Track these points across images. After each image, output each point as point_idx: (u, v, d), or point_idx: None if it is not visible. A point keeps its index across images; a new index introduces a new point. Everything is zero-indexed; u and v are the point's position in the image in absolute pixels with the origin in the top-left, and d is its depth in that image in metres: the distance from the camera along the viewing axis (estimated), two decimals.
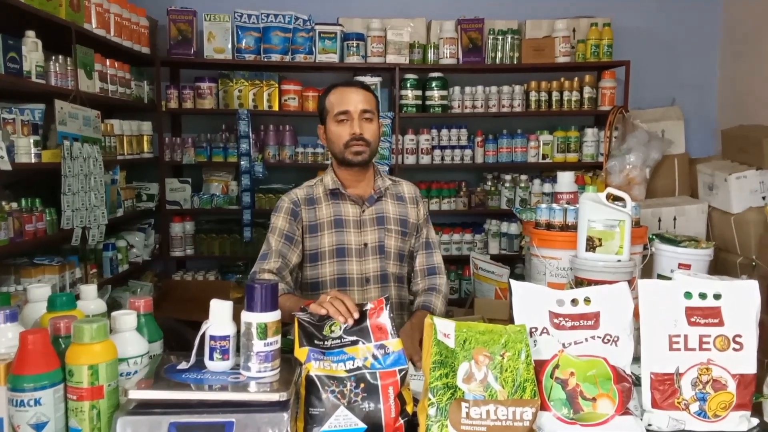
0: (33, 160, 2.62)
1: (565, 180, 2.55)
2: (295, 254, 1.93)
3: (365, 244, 1.96)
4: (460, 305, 3.19)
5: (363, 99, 1.93)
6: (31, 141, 2.61)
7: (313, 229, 1.95)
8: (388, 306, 1.26)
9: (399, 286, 2.03)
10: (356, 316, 1.29)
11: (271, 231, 1.95)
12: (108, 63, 3.36)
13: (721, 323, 1.21)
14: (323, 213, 1.96)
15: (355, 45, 4.00)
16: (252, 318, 1.15)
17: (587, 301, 1.25)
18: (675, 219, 3.45)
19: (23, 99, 2.78)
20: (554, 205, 2.09)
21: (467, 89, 4.15)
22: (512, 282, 1.30)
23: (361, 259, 1.95)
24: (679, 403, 1.19)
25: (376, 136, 1.96)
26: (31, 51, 2.62)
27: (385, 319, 1.25)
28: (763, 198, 3.29)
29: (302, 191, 2.01)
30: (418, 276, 2.06)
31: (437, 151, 4.17)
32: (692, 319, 1.21)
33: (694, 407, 1.19)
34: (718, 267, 3.24)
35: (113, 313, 1.22)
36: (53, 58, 2.80)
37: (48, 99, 2.76)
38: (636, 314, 1.25)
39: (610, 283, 1.32)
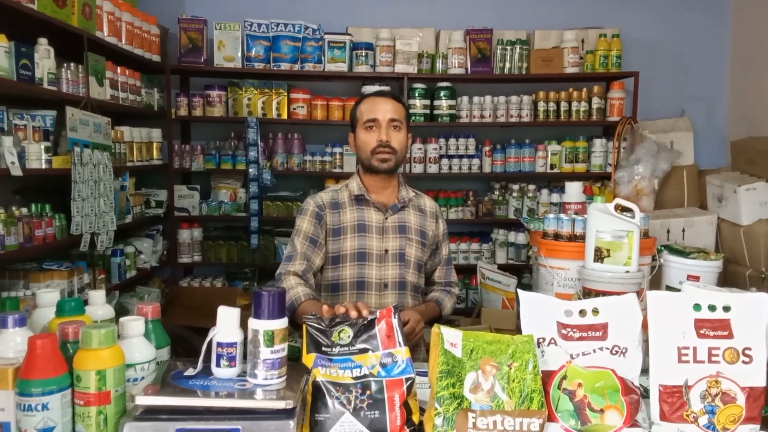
0: (43, 166, 2.64)
1: (574, 190, 2.55)
2: (319, 257, 1.97)
3: (386, 251, 2.00)
4: (467, 315, 3.19)
5: (392, 108, 1.98)
6: (42, 147, 2.63)
7: (337, 233, 1.99)
8: (397, 314, 1.25)
9: (414, 295, 2.06)
10: (365, 313, 1.30)
11: (296, 233, 1.99)
12: (119, 70, 3.39)
13: (730, 336, 1.20)
14: (347, 217, 2.00)
15: (364, 54, 4.02)
16: (259, 325, 1.15)
17: (595, 312, 1.25)
18: (684, 230, 3.43)
19: (35, 105, 2.81)
20: (562, 215, 2.09)
21: (475, 99, 4.16)
22: (520, 292, 1.30)
23: (381, 265, 1.99)
24: (687, 415, 1.18)
25: (404, 146, 2.01)
26: (44, 58, 2.65)
27: (393, 327, 1.24)
28: None
29: (327, 195, 2.05)
30: (435, 285, 2.15)
31: (445, 161, 4.17)
32: (701, 332, 1.21)
33: (703, 420, 1.18)
34: (727, 279, 3.22)
35: (121, 319, 1.23)
36: (65, 65, 2.83)
37: (59, 106, 2.78)
38: (644, 326, 1.24)
39: (619, 294, 1.31)
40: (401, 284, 2.00)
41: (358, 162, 2.07)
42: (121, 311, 3.09)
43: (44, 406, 1.04)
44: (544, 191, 4.17)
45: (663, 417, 1.19)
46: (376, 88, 4.03)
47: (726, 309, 1.22)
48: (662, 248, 2.19)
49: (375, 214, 2.01)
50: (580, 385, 1.18)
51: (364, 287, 1.97)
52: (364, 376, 1.17)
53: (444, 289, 2.14)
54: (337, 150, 4.16)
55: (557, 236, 2.04)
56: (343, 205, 2.02)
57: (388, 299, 1.98)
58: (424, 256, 2.07)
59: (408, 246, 2.02)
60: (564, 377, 1.19)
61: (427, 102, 4.12)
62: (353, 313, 1.32)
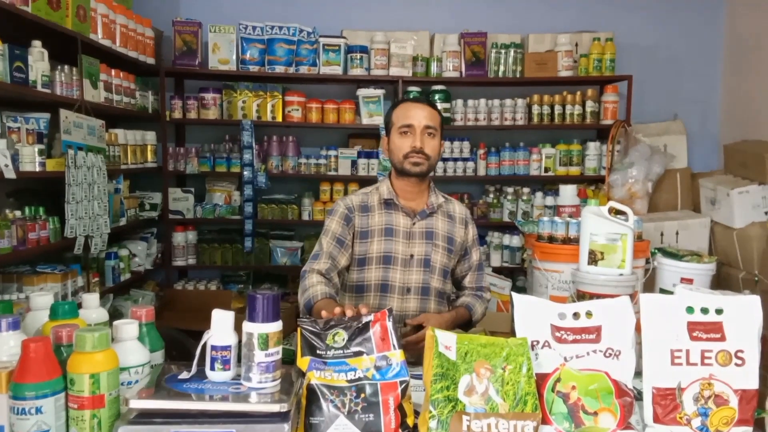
0: (37, 169, 2.63)
1: (568, 193, 2.56)
2: (344, 257, 1.99)
3: (411, 256, 2.01)
4: None
5: (427, 115, 1.99)
6: (36, 150, 2.62)
7: (364, 235, 2.01)
8: (391, 318, 1.26)
9: (439, 301, 2.06)
10: (364, 311, 1.31)
11: (324, 233, 2.02)
12: (113, 73, 3.38)
13: (723, 338, 1.21)
14: (375, 221, 2.02)
15: (358, 57, 4.03)
16: (253, 328, 1.15)
17: (589, 314, 1.25)
18: (677, 233, 3.45)
19: (29, 108, 2.80)
20: (556, 218, 2.10)
21: (470, 102, 4.17)
22: (514, 295, 1.30)
23: (406, 269, 2.00)
24: (680, 418, 1.19)
25: (437, 152, 2.03)
26: (37, 61, 2.64)
27: (388, 330, 1.25)
28: (766, 213, 3.29)
29: (357, 198, 2.07)
30: (466, 290, 2.14)
31: (440, 163, 4.18)
32: (694, 334, 1.21)
33: (696, 422, 1.18)
34: (721, 282, 3.24)
35: (115, 323, 1.23)
36: (59, 67, 2.82)
37: (53, 108, 2.78)
38: (638, 328, 1.25)
39: (612, 296, 1.32)
40: (424, 289, 2.02)
41: (390, 166, 2.09)
42: (115, 314, 3.08)
43: (38, 410, 1.04)
44: (539, 194, 4.19)
45: (656, 419, 1.20)
46: (371, 90, 4.05)
47: (718, 312, 1.22)
48: (656, 251, 2.21)
49: (403, 218, 2.03)
50: (573, 387, 1.19)
51: (387, 290, 1.99)
52: (359, 379, 1.18)
53: (475, 294, 2.12)
54: (332, 153, 4.16)
55: (551, 239, 2.05)
56: (373, 208, 2.04)
57: (410, 303, 2.00)
58: (450, 263, 2.08)
59: (434, 252, 2.03)
60: (558, 380, 1.20)
61: None
62: (348, 313, 1.32)
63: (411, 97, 2.11)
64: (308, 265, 1.97)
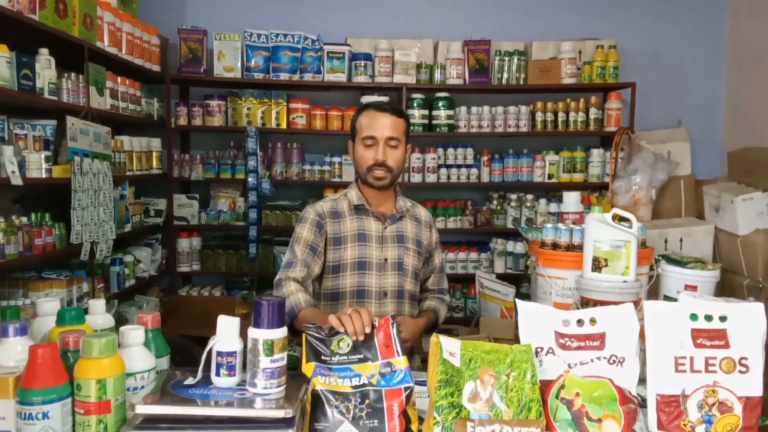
0: (44, 175, 2.65)
1: (571, 200, 2.56)
2: (318, 265, 1.99)
3: (385, 260, 2.02)
4: (465, 324, 3.18)
5: (391, 125, 1.97)
6: (43, 156, 2.64)
7: (337, 242, 2.00)
8: (395, 324, 1.26)
9: (411, 304, 2.08)
10: (368, 330, 1.30)
11: (296, 240, 2.00)
12: (119, 80, 3.40)
13: (726, 345, 1.21)
14: (347, 226, 2.02)
15: (362, 65, 4.05)
16: (259, 334, 1.16)
17: (593, 321, 1.26)
18: (681, 240, 3.44)
19: (35, 115, 2.82)
20: (560, 225, 2.09)
21: (473, 109, 4.18)
22: (518, 301, 1.31)
23: (381, 274, 2.01)
24: (685, 425, 1.19)
25: (400, 162, 2.02)
26: (44, 68, 2.66)
27: (392, 337, 1.25)
28: None
29: (327, 204, 2.06)
30: (427, 292, 2.20)
31: (443, 170, 4.19)
32: (698, 341, 1.21)
33: (700, 429, 1.18)
34: (725, 289, 3.23)
35: (121, 328, 1.23)
36: (66, 75, 2.84)
37: (60, 115, 2.80)
38: (642, 335, 1.25)
39: (616, 303, 1.32)
40: (399, 293, 2.03)
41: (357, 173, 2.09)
42: (120, 320, 3.09)
43: (45, 415, 1.05)
44: (542, 201, 4.19)
45: (660, 426, 1.20)
46: (375, 98, 4.06)
47: (722, 319, 1.23)
48: (660, 258, 2.20)
49: (374, 223, 2.04)
50: (577, 394, 1.19)
51: (364, 296, 1.99)
52: (363, 385, 1.18)
53: (438, 297, 2.19)
54: (336, 159, 4.17)
55: (555, 246, 2.04)
56: (343, 214, 2.04)
57: (387, 307, 2.01)
58: (419, 265, 2.11)
59: (406, 255, 2.05)
60: (562, 386, 1.20)
61: (426, 112, 4.14)
62: (352, 336, 1.29)
63: (376, 103, 2.08)
64: (282, 273, 1.93)
